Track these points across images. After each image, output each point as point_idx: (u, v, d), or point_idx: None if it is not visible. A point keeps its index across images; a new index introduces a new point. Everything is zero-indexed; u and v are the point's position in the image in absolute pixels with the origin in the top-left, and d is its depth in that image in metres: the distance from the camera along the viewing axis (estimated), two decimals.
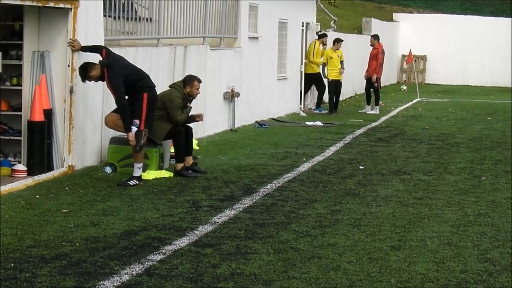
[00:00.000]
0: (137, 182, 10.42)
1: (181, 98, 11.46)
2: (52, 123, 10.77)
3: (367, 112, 21.77)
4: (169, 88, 11.72)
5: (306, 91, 22.49)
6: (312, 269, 6.88)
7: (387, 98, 27.06)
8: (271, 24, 19.58)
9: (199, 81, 11.68)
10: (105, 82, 10.54)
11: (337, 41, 21.71)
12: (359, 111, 22.25)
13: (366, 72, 22.16)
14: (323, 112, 21.82)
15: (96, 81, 10.62)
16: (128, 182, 10.37)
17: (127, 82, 10.40)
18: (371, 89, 22.09)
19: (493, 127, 18.95)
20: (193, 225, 8.37)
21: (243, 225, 8.46)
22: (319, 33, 22.62)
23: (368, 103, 22.37)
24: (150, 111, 10.60)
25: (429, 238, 8.09)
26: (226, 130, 16.76)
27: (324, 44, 22.13)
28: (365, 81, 22.51)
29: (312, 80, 22.23)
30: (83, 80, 10.56)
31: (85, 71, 10.42)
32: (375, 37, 22.38)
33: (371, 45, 22.27)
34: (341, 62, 21.44)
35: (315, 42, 22.05)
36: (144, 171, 10.78)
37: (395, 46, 35.32)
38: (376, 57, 21.82)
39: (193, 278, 6.53)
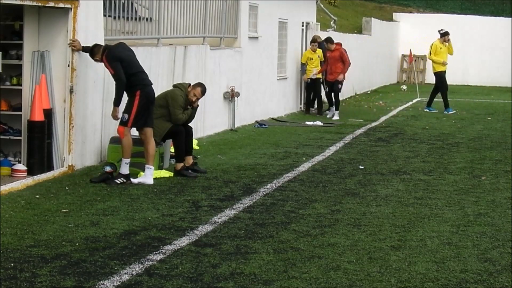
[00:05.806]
0: (124, 180, 10.38)
1: (184, 98, 11.48)
2: (52, 123, 10.77)
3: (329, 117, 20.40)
4: (173, 88, 11.79)
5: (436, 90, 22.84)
6: (312, 269, 6.88)
7: (387, 98, 27.07)
8: (271, 24, 19.57)
9: (202, 91, 11.65)
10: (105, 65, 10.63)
11: (313, 41, 20.81)
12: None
13: (330, 75, 20.44)
14: (433, 111, 22.25)
15: (100, 61, 10.73)
16: (115, 180, 10.34)
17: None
18: (333, 93, 20.53)
19: (493, 127, 18.94)
20: (193, 225, 8.37)
21: (243, 225, 8.46)
22: (441, 32, 22.91)
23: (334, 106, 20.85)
24: (142, 110, 10.53)
25: (429, 238, 8.09)
26: (226, 130, 16.76)
27: (446, 41, 22.60)
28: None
29: (436, 78, 22.62)
30: (93, 58, 10.82)
31: (91, 52, 10.69)
32: (329, 40, 20.66)
33: (328, 49, 20.49)
34: (321, 62, 20.54)
35: (436, 41, 22.63)
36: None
37: (395, 46, 35.30)
38: (341, 59, 20.37)
39: (193, 278, 6.53)
